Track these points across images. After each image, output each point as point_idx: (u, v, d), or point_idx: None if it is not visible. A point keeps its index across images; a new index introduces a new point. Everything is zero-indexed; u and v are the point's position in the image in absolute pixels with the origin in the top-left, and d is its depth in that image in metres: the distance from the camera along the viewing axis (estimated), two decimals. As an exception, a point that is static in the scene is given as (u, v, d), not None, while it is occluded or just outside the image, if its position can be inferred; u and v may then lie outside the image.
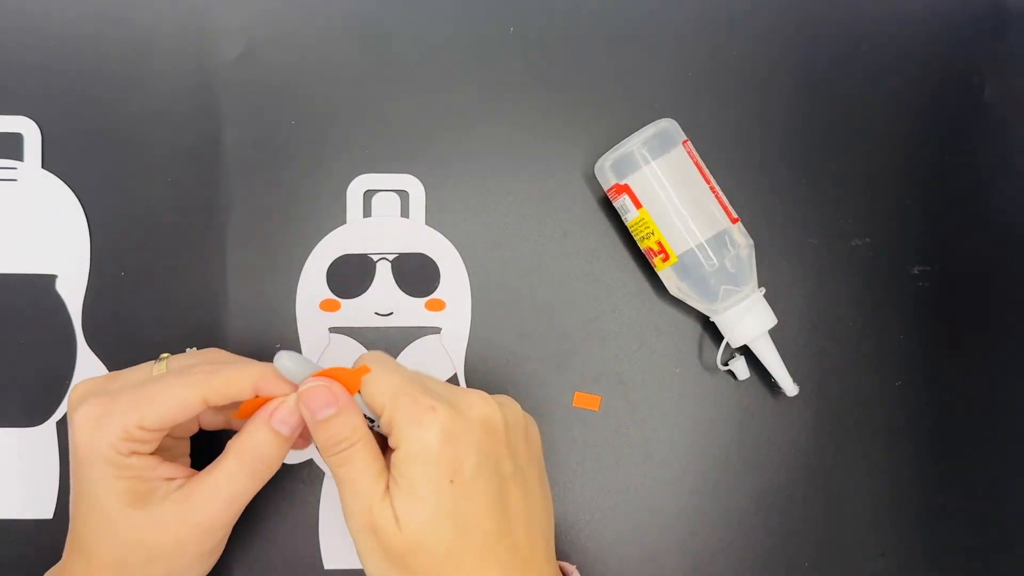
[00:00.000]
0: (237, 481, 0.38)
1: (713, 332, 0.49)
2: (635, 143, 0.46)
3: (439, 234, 0.49)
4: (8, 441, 0.47)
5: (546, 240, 0.50)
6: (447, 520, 0.36)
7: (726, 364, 0.49)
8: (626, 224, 0.48)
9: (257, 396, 0.39)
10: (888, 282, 0.50)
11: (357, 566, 0.47)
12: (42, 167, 0.49)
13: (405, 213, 0.49)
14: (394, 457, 0.36)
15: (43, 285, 0.48)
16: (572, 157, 0.50)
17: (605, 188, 0.48)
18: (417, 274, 0.49)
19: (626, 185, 0.46)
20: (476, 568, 0.36)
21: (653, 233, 0.46)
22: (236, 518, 0.40)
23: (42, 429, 0.47)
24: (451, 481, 0.36)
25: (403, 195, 0.49)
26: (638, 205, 0.46)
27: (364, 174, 0.49)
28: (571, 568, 0.41)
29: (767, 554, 0.49)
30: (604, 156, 0.47)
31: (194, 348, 0.43)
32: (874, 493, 0.49)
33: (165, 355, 0.42)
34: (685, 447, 0.49)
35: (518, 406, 0.40)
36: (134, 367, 0.41)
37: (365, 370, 0.37)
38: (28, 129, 0.49)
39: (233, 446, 0.39)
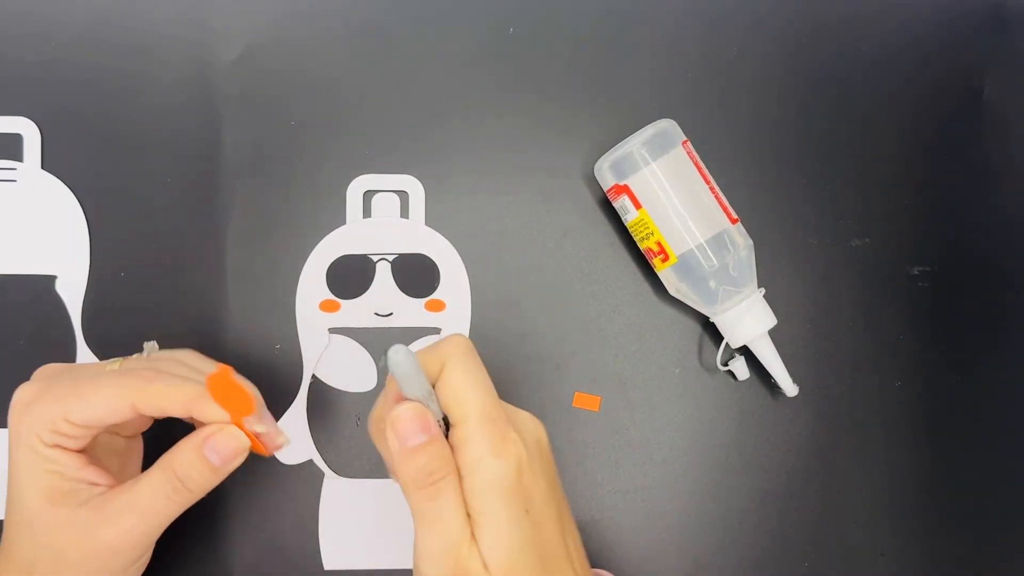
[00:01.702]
0: (156, 500, 0.37)
1: (713, 332, 0.49)
2: (634, 144, 0.46)
3: (439, 235, 0.49)
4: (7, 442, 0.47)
5: (546, 240, 0.50)
6: (532, 552, 0.34)
7: (726, 364, 0.49)
8: (626, 224, 0.48)
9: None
10: (888, 282, 0.50)
11: (357, 566, 0.48)
12: (42, 168, 0.49)
13: (405, 213, 0.49)
14: (466, 485, 0.34)
15: (43, 286, 0.48)
16: (572, 157, 0.50)
17: (605, 189, 0.48)
18: (417, 274, 0.49)
19: (625, 186, 0.46)
20: None
21: (653, 234, 0.46)
22: (153, 538, 0.38)
23: (42, 430, 0.47)
24: (527, 511, 0.34)
25: (403, 195, 0.49)
26: (637, 206, 0.46)
27: (364, 174, 0.49)
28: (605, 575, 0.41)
29: (767, 554, 0.49)
30: (603, 157, 0.47)
31: (154, 344, 0.41)
32: (874, 493, 0.49)
33: (136, 354, 0.41)
34: (685, 447, 0.49)
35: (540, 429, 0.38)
36: (98, 362, 0.40)
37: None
38: (28, 130, 0.49)
39: (161, 461, 0.37)
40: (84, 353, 0.48)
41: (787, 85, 0.51)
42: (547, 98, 0.50)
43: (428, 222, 0.49)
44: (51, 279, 0.48)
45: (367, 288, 0.49)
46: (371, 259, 0.49)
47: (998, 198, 0.51)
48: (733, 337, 0.47)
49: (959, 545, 0.49)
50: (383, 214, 0.49)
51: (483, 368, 0.36)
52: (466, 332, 0.49)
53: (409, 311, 0.49)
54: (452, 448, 0.35)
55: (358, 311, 0.49)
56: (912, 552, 0.49)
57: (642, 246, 0.48)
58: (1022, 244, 0.51)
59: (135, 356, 0.41)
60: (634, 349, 0.49)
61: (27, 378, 0.47)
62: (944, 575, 0.49)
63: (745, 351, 0.48)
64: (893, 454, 0.49)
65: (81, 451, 0.38)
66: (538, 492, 0.35)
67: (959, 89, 0.52)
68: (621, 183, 0.46)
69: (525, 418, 0.37)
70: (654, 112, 0.49)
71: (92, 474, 0.38)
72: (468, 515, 0.34)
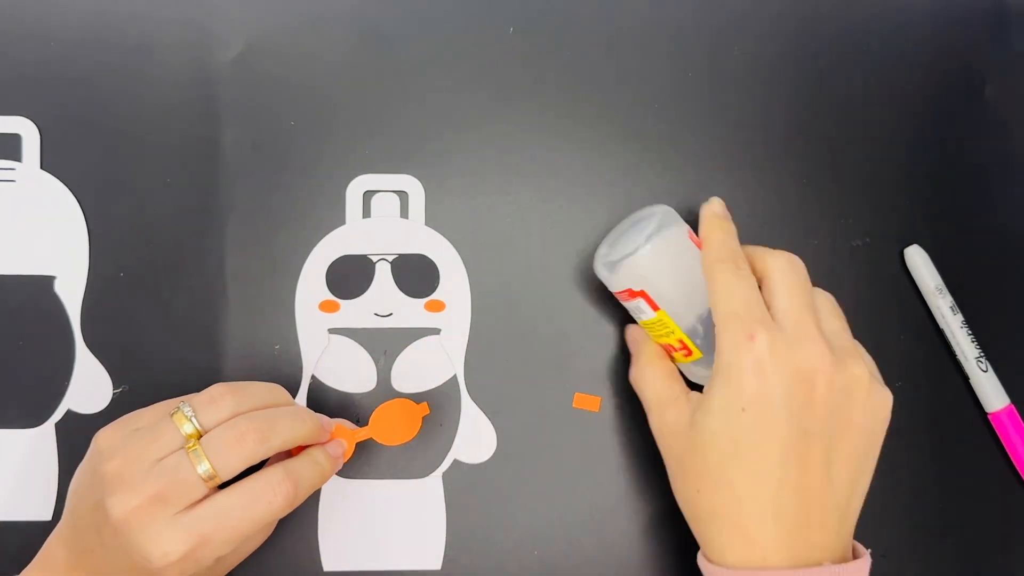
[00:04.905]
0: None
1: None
2: (639, 244, 0.42)
3: (439, 235, 0.49)
4: (7, 443, 0.47)
5: (546, 240, 0.50)
6: (724, 438, 0.38)
7: None
8: (639, 322, 0.46)
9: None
10: (888, 283, 0.50)
11: (357, 567, 0.48)
12: (41, 168, 0.49)
13: (404, 213, 0.49)
14: (715, 365, 0.39)
15: (42, 286, 0.48)
16: (572, 156, 0.50)
17: (612, 289, 0.45)
18: (417, 275, 0.49)
19: (642, 291, 0.43)
20: (750, 498, 0.38)
21: (673, 332, 0.44)
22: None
23: (41, 431, 0.47)
24: (743, 409, 0.37)
25: (402, 195, 0.49)
26: (655, 308, 0.43)
27: (363, 174, 0.49)
28: (863, 551, 0.40)
29: (768, 555, 0.48)
30: (600, 256, 0.45)
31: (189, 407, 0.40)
32: (874, 493, 0.49)
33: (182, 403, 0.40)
34: (685, 447, 0.49)
35: (869, 372, 0.40)
36: (168, 436, 0.39)
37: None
38: (27, 130, 0.49)
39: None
40: (83, 354, 0.48)
41: (786, 85, 0.51)
42: (546, 97, 0.50)
43: (428, 222, 0.49)
44: (50, 279, 0.48)
45: (367, 288, 0.49)
46: (371, 259, 0.49)
47: (998, 198, 0.51)
48: None
49: (959, 545, 0.49)
50: (383, 214, 0.49)
51: (747, 269, 0.40)
52: (466, 332, 0.49)
53: (409, 311, 0.49)
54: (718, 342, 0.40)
55: (358, 311, 0.49)
56: (912, 552, 0.49)
57: (660, 342, 0.45)
58: (1022, 244, 0.51)
59: (183, 409, 0.40)
60: (634, 349, 0.49)
61: (26, 378, 0.48)
62: (944, 575, 0.49)
63: None
64: (893, 454, 0.49)
65: None
66: (765, 402, 0.37)
67: (959, 89, 0.52)
68: (636, 289, 0.43)
69: (813, 348, 0.38)
70: (653, 111, 0.49)
71: None
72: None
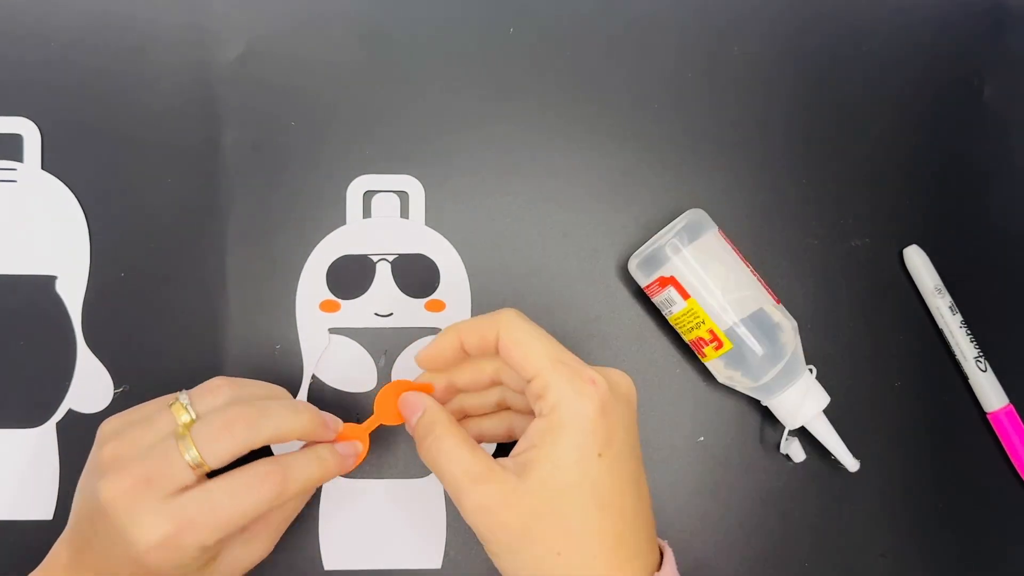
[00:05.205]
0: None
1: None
2: (668, 236, 0.45)
3: (439, 235, 0.49)
4: (8, 442, 0.47)
5: (546, 240, 0.50)
6: (589, 491, 0.35)
7: (779, 447, 0.48)
8: (669, 318, 0.47)
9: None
10: (888, 282, 0.50)
11: (357, 566, 0.48)
12: (42, 168, 0.49)
13: (405, 214, 0.49)
14: (542, 423, 0.36)
15: (43, 286, 0.48)
16: (571, 155, 0.50)
17: (643, 284, 0.47)
18: (417, 275, 0.49)
19: (671, 277, 0.45)
20: (609, 543, 0.36)
21: (704, 322, 0.45)
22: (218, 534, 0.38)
23: (42, 430, 0.47)
24: (599, 455, 0.35)
25: (403, 196, 0.49)
26: (685, 296, 0.45)
27: (364, 175, 0.49)
28: (663, 544, 0.40)
29: (767, 554, 0.49)
30: (635, 254, 0.46)
31: (186, 395, 0.40)
32: (874, 493, 0.49)
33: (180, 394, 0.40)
34: (685, 447, 0.49)
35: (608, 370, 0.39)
36: (160, 427, 0.39)
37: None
38: (28, 130, 0.49)
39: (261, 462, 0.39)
40: (84, 354, 0.48)
41: (786, 85, 0.51)
42: (546, 97, 0.50)
43: (428, 222, 0.50)
44: (51, 279, 0.48)
45: (367, 288, 0.49)
46: (371, 259, 0.49)
47: (998, 198, 0.51)
48: (791, 420, 0.46)
49: (959, 545, 0.49)
50: (383, 214, 0.49)
51: (540, 328, 0.38)
52: (466, 332, 0.49)
53: (409, 311, 0.49)
54: (535, 400, 0.37)
55: (358, 311, 0.49)
56: (912, 552, 0.49)
57: (690, 337, 0.46)
58: (1022, 244, 0.51)
59: (180, 399, 0.40)
60: (634, 350, 0.49)
61: (27, 377, 0.48)
62: (943, 575, 0.49)
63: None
64: (893, 454, 0.49)
65: None
66: (617, 440, 0.36)
67: (959, 89, 0.52)
68: (666, 275, 0.45)
69: (614, 372, 0.38)
70: (653, 111, 0.49)
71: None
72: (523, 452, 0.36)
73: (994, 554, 0.49)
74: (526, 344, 0.37)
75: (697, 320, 0.45)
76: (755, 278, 0.46)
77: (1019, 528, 0.50)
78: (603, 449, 0.36)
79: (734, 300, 0.44)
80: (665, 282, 0.45)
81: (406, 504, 0.48)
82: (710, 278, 0.44)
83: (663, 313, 0.47)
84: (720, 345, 0.45)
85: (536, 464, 0.35)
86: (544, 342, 0.37)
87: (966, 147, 0.51)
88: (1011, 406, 0.49)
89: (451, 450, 0.37)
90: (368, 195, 0.49)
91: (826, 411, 0.47)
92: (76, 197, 0.49)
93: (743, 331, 0.44)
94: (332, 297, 0.49)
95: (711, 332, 0.45)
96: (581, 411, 0.35)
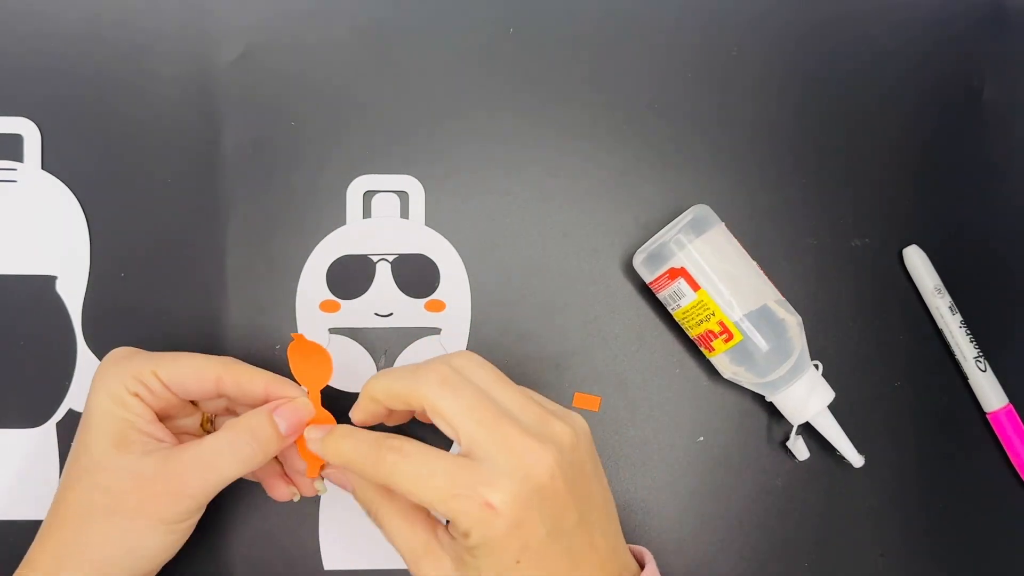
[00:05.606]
0: (220, 456, 0.39)
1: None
2: (675, 229, 0.45)
3: (439, 235, 0.49)
4: (8, 442, 0.47)
5: (546, 240, 0.50)
6: (533, 559, 0.35)
7: (784, 442, 0.48)
8: (675, 313, 0.47)
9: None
10: (888, 282, 0.50)
11: (357, 566, 0.48)
12: (42, 168, 0.49)
13: (405, 214, 0.49)
14: (458, 547, 0.36)
15: (43, 286, 0.48)
16: (571, 154, 0.50)
17: (649, 279, 0.47)
18: (417, 275, 0.49)
19: (682, 268, 0.45)
20: None
21: (714, 314, 0.45)
22: (209, 494, 0.40)
23: (42, 430, 0.48)
24: (517, 562, 0.35)
25: (403, 196, 0.49)
26: (696, 287, 0.45)
27: (364, 175, 0.49)
28: (643, 551, 0.40)
29: (767, 554, 0.49)
30: (640, 249, 0.46)
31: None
32: (874, 493, 0.49)
33: None
34: (685, 447, 0.49)
35: (573, 428, 0.37)
36: None
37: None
38: (28, 130, 0.49)
39: (229, 424, 0.40)
40: (84, 354, 0.48)
41: (786, 85, 0.51)
42: (546, 97, 0.50)
43: (428, 222, 0.50)
44: (51, 279, 0.48)
45: (367, 288, 0.49)
46: (371, 259, 0.49)
47: (998, 198, 0.51)
48: (795, 416, 0.46)
49: (959, 545, 0.49)
50: (383, 214, 0.49)
51: (463, 395, 0.36)
52: (466, 332, 0.49)
53: (409, 311, 0.49)
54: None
55: (358, 311, 0.49)
56: (912, 552, 0.49)
57: (698, 331, 0.46)
58: (1022, 244, 0.51)
59: None
60: (634, 349, 0.49)
61: (27, 377, 0.48)
62: (943, 574, 0.49)
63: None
64: (893, 454, 0.49)
65: (156, 414, 0.41)
66: (534, 540, 0.35)
67: (959, 89, 0.52)
68: (676, 267, 0.45)
69: (528, 457, 0.35)
70: (654, 110, 0.49)
71: (160, 431, 0.40)
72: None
73: (994, 554, 0.49)
74: (455, 408, 0.35)
75: (707, 312, 0.45)
76: (761, 273, 0.46)
77: (1019, 528, 0.50)
78: (520, 555, 0.35)
79: (742, 294, 0.45)
80: (675, 274, 0.45)
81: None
82: (719, 271, 0.45)
83: (669, 308, 0.47)
84: (730, 337, 0.45)
85: (475, 534, 0.35)
86: (475, 401, 0.36)
87: (966, 147, 0.51)
88: (1011, 406, 0.49)
89: (393, 529, 0.39)
90: (368, 195, 0.49)
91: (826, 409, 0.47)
92: (76, 197, 0.49)
93: (749, 326, 0.44)
94: (332, 297, 0.49)
95: (721, 324, 0.44)
96: (486, 536, 0.34)
